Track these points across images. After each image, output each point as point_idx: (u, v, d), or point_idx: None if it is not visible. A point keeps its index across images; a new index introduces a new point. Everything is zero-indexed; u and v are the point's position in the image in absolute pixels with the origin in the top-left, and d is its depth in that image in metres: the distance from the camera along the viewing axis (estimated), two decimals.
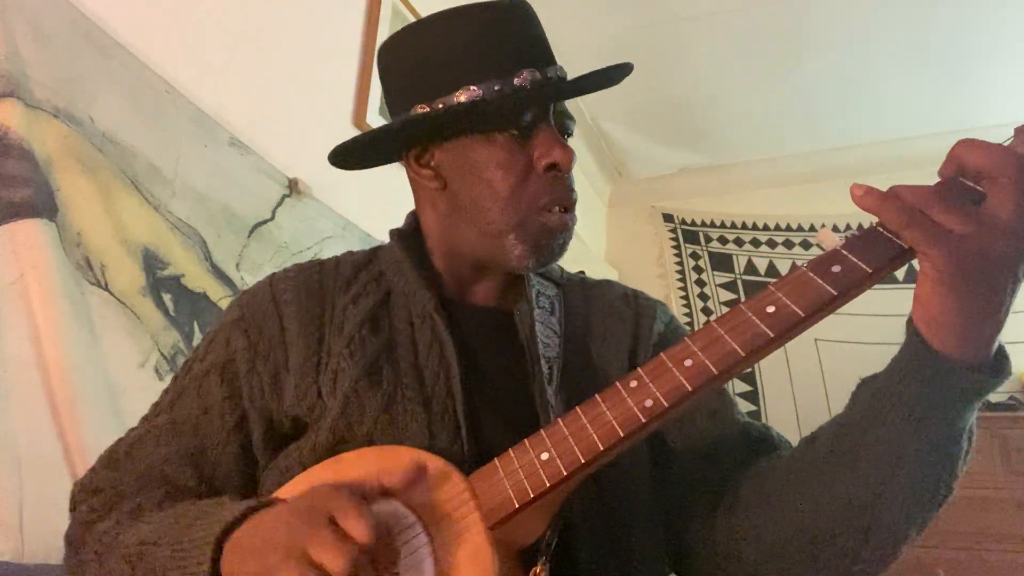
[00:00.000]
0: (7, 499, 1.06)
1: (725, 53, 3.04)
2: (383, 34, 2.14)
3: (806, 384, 3.26)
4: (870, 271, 0.53)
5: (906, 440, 0.55)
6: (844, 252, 0.55)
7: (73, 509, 0.75)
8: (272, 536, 0.54)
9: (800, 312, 0.54)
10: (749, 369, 3.50)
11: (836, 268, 0.54)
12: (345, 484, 0.57)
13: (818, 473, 0.61)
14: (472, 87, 0.75)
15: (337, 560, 0.50)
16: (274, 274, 0.85)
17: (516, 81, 0.75)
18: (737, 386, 3.50)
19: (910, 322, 0.55)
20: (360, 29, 2.11)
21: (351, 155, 0.85)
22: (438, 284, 0.82)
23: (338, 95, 2.02)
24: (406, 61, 0.81)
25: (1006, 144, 0.51)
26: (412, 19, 2.29)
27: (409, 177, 0.85)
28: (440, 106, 0.76)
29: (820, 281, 0.54)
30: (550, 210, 0.77)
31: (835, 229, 3.63)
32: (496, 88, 0.74)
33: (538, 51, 0.78)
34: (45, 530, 1.08)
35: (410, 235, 0.87)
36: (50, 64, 1.24)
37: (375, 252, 0.88)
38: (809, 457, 0.63)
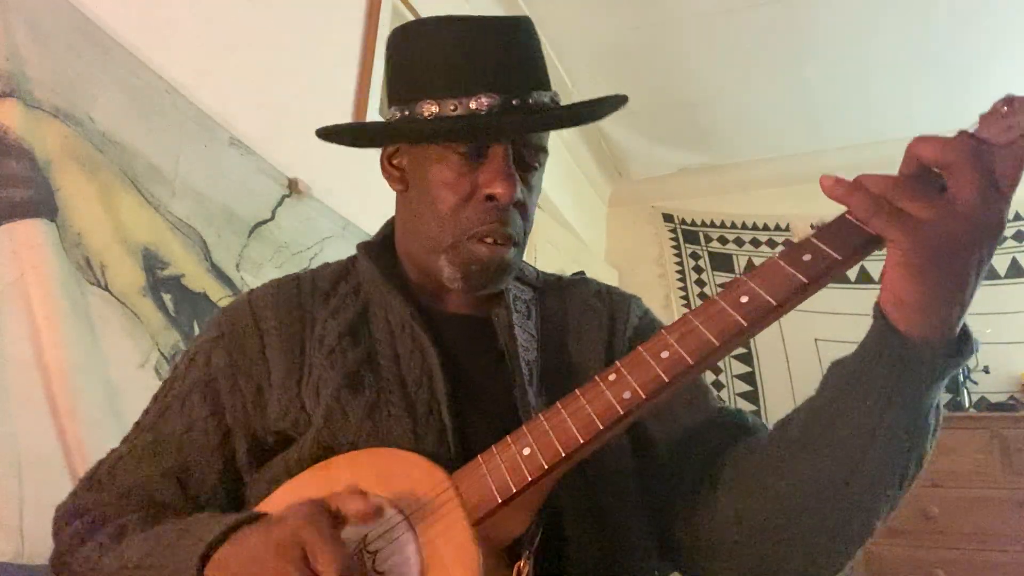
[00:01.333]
0: (7, 499, 1.06)
1: (725, 53, 3.04)
2: (383, 34, 2.14)
3: (806, 384, 3.22)
4: (840, 258, 0.54)
5: (875, 421, 0.57)
6: (815, 241, 0.56)
7: (56, 535, 0.75)
8: (249, 564, 0.56)
9: (772, 300, 0.56)
10: (749, 368, 3.50)
11: (807, 256, 0.56)
12: (321, 507, 0.57)
13: (792, 455, 0.63)
14: (431, 101, 0.75)
15: None
16: (252, 290, 0.85)
17: (472, 104, 0.73)
18: (737, 386, 3.50)
19: (877, 305, 0.57)
20: (360, 29, 2.11)
21: (341, 138, 0.87)
22: (412, 293, 0.82)
23: (338, 95, 2.02)
24: (395, 59, 0.82)
25: (971, 129, 0.54)
26: (412, 19, 2.29)
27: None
28: (405, 113, 0.78)
29: (791, 270, 0.56)
30: (482, 239, 0.76)
31: None
32: (452, 108, 0.74)
33: (508, 75, 0.75)
34: (45, 530, 1.07)
35: (378, 246, 0.87)
36: (50, 64, 1.24)
37: (352, 263, 0.89)
38: (783, 440, 0.65)
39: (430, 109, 0.75)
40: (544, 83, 0.78)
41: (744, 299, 0.57)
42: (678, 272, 3.85)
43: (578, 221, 3.67)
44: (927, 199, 0.52)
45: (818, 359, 3.28)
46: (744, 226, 3.82)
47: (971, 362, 2.93)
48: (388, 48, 0.84)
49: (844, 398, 0.59)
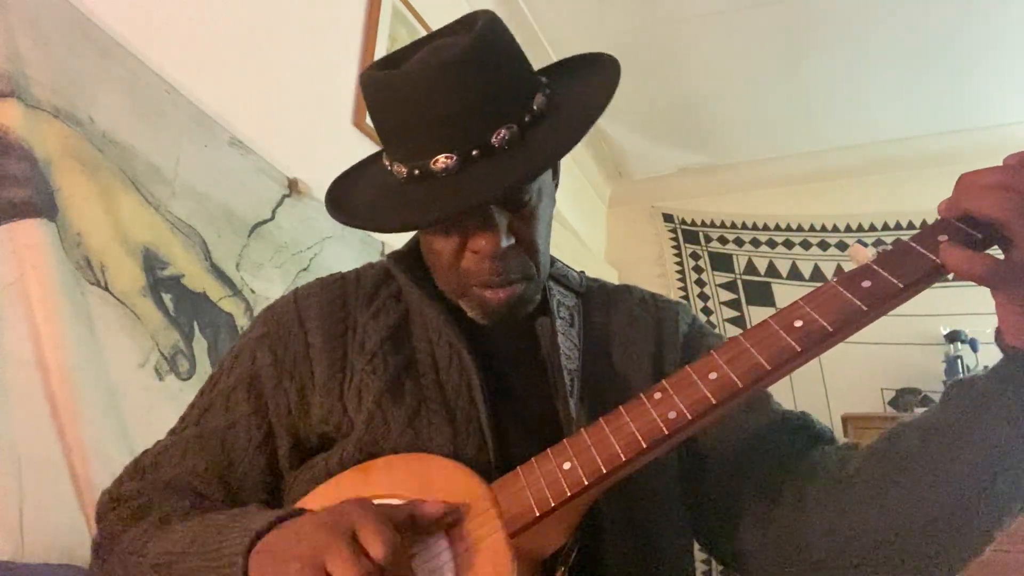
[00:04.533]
0: (7, 499, 1.05)
1: (725, 53, 3.04)
2: (383, 34, 2.14)
3: (806, 384, 3.25)
4: (902, 286, 0.52)
5: (1011, 442, 0.55)
6: (875, 267, 0.54)
7: (100, 519, 0.75)
8: (295, 545, 0.55)
9: (828, 327, 0.54)
10: None
11: (867, 283, 0.54)
12: (373, 502, 0.57)
13: (903, 473, 0.60)
14: (398, 163, 0.73)
15: (349, 574, 0.51)
16: (298, 289, 0.86)
17: (433, 166, 0.69)
18: None
19: (1002, 340, 0.56)
20: (360, 29, 2.11)
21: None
22: (449, 301, 0.81)
23: (338, 95, 2.02)
24: (369, 107, 0.77)
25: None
26: (412, 19, 2.29)
27: None
28: (388, 168, 0.75)
29: (850, 296, 0.54)
30: (487, 287, 0.75)
31: (835, 229, 3.63)
32: (416, 172, 0.71)
33: (462, 127, 0.69)
34: (45, 530, 1.08)
35: (409, 255, 0.87)
36: (50, 64, 1.24)
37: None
38: (895, 455, 0.62)
39: (400, 171, 0.72)
40: (505, 114, 0.70)
41: (798, 323, 0.55)
42: (678, 272, 3.85)
43: (578, 221, 3.67)
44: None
45: (818, 359, 3.27)
46: (744, 226, 3.82)
47: (972, 362, 2.93)
48: (362, 92, 0.78)
49: (975, 418, 0.56)
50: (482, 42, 0.70)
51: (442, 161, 0.69)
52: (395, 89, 0.71)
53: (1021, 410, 0.54)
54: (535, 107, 0.72)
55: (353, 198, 0.80)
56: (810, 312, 0.55)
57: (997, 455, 0.55)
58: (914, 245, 0.53)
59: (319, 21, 1.96)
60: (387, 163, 0.76)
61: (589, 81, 0.78)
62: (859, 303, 0.53)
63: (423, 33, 2.29)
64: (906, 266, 0.53)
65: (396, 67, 0.73)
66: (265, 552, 0.58)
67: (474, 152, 0.69)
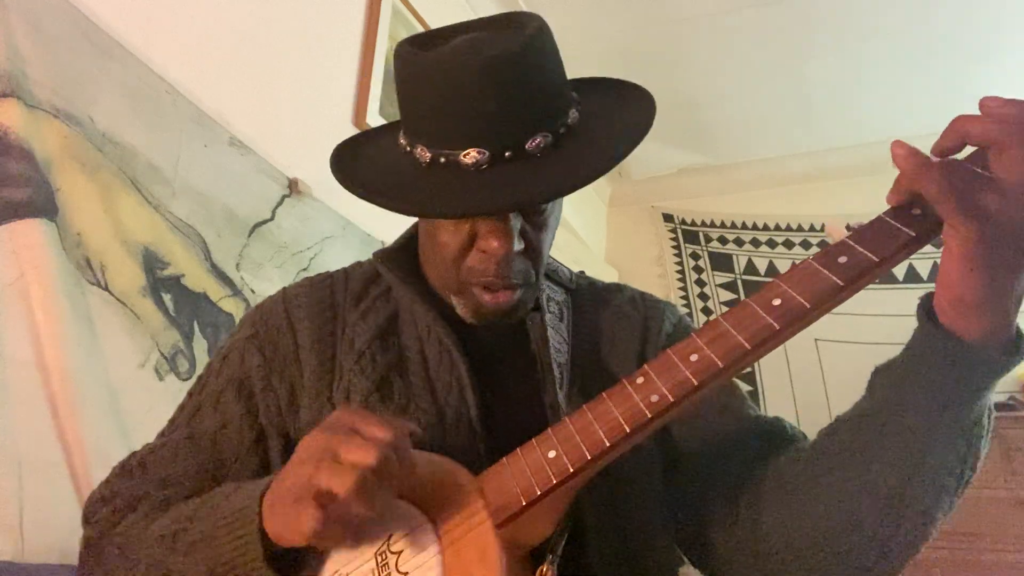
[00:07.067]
0: (7, 499, 1.06)
1: (725, 53, 3.04)
2: (383, 34, 2.14)
3: (806, 384, 3.25)
4: (877, 260, 0.53)
5: (933, 425, 0.55)
6: (851, 243, 0.54)
7: (89, 519, 0.75)
8: (304, 454, 0.56)
9: (806, 303, 0.54)
10: (749, 368, 3.50)
11: (843, 259, 0.54)
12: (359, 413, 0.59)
13: (841, 464, 0.61)
14: (423, 147, 0.72)
15: (368, 454, 0.53)
16: (286, 289, 0.85)
17: (462, 158, 0.69)
18: None
19: (926, 308, 0.55)
20: (360, 29, 2.11)
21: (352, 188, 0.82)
22: (438, 298, 0.81)
23: (338, 95, 2.02)
24: (397, 87, 0.76)
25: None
26: (412, 19, 2.29)
27: None
28: (407, 150, 0.74)
29: (826, 272, 0.54)
30: (486, 288, 0.75)
31: None
32: (442, 160, 0.70)
33: (498, 125, 0.68)
34: (45, 530, 1.08)
35: (396, 252, 0.86)
36: (50, 64, 1.24)
37: None
38: (831, 448, 0.63)
39: (424, 156, 0.71)
40: (543, 121, 0.70)
41: (777, 302, 0.55)
42: (678, 272, 3.85)
43: (578, 221, 3.67)
44: (998, 189, 0.48)
45: (818, 359, 3.28)
46: (744, 226, 3.82)
47: None
48: (394, 66, 0.76)
49: (898, 403, 0.57)
50: (533, 46, 0.69)
51: (473, 155, 0.68)
52: (435, 72, 0.70)
53: (939, 387, 0.54)
54: (569, 121, 0.73)
55: (365, 171, 0.79)
56: (788, 290, 0.55)
57: (923, 434, 0.55)
58: (889, 220, 0.54)
59: (319, 21, 1.96)
60: (404, 142, 0.75)
61: (624, 107, 0.78)
62: (836, 279, 0.54)
63: None
64: (881, 240, 0.53)
65: (432, 49, 0.72)
66: (276, 479, 0.59)
67: (507, 153, 0.69)
